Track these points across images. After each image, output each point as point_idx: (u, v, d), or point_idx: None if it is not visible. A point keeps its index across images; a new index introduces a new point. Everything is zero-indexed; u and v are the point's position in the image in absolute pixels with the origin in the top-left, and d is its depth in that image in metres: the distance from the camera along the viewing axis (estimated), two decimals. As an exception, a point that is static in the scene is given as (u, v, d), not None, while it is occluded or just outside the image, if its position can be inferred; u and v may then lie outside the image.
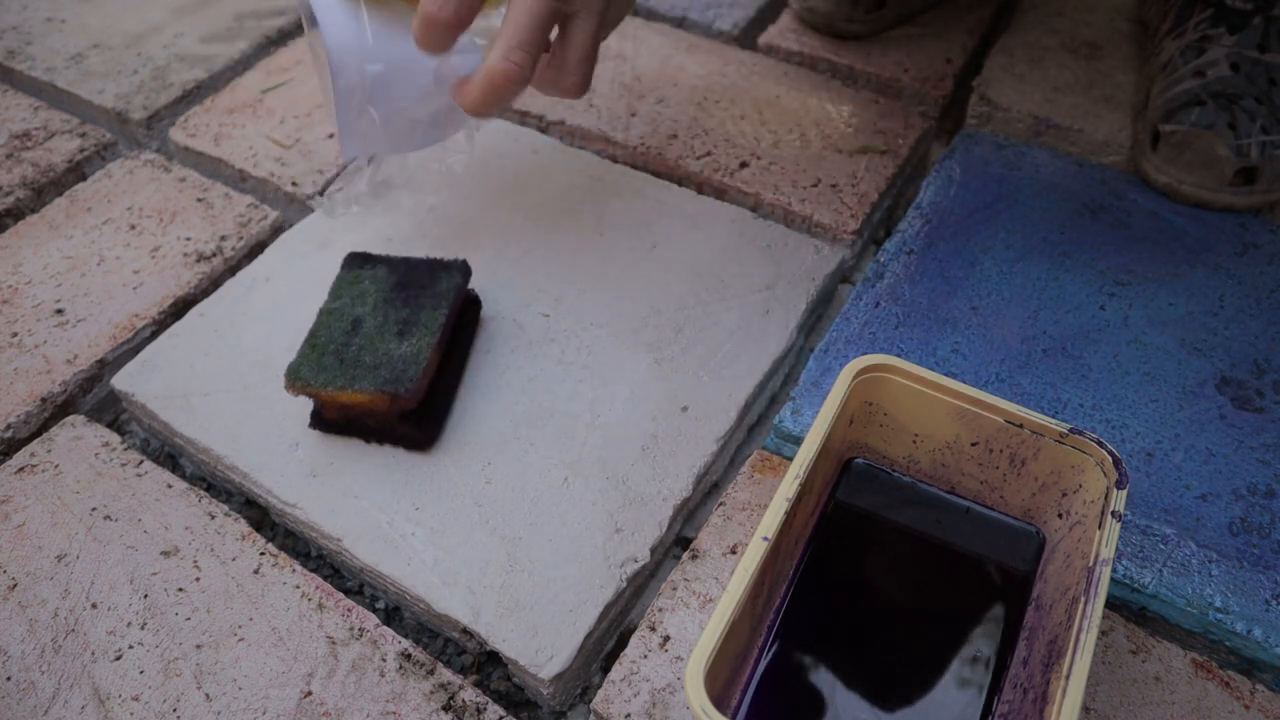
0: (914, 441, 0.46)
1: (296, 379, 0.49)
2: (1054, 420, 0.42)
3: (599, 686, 0.44)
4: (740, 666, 0.41)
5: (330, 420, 0.52)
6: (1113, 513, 0.39)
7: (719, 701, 0.36)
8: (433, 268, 0.54)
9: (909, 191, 0.71)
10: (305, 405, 0.54)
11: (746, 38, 0.82)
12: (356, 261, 0.55)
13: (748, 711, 0.40)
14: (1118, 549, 0.40)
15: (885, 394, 0.45)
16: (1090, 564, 0.38)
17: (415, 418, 0.51)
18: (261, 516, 0.53)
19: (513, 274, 0.61)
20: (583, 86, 0.48)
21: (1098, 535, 0.39)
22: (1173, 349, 0.55)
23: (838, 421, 0.43)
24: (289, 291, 0.61)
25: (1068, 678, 0.35)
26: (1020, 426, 0.43)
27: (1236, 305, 0.57)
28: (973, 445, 0.45)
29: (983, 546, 0.45)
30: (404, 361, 0.49)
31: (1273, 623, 0.43)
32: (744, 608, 0.38)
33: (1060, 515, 0.44)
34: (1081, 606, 0.37)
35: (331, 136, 0.72)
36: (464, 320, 0.56)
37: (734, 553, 0.48)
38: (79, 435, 0.54)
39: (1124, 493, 0.40)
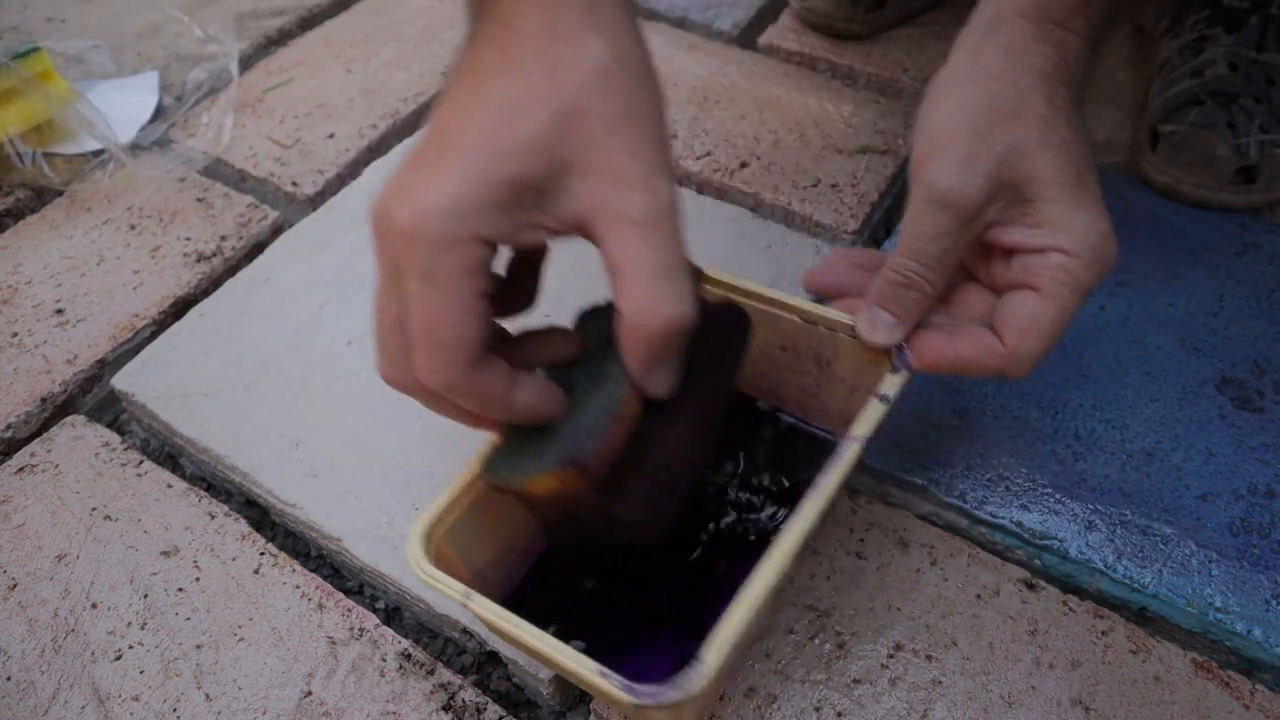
0: None
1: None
2: (846, 315, 0.42)
3: (599, 686, 0.44)
4: (511, 549, 0.42)
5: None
6: (880, 395, 0.39)
7: (478, 579, 0.37)
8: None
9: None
10: (305, 405, 0.53)
11: (746, 38, 0.82)
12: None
13: (516, 594, 0.42)
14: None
15: None
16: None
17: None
18: (261, 516, 0.53)
19: (513, 274, 0.61)
20: None
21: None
22: (1173, 349, 0.55)
23: None
24: (289, 291, 0.61)
25: (779, 531, 0.34)
26: (815, 324, 0.43)
27: (1236, 305, 0.57)
28: (781, 350, 0.45)
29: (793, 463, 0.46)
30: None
31: (1273, 623, 0.43)
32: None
33: None
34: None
35: (332, 136, 0.72)
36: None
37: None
38: (79, 435, 0.54)
39: (897, 377, 0.40)
